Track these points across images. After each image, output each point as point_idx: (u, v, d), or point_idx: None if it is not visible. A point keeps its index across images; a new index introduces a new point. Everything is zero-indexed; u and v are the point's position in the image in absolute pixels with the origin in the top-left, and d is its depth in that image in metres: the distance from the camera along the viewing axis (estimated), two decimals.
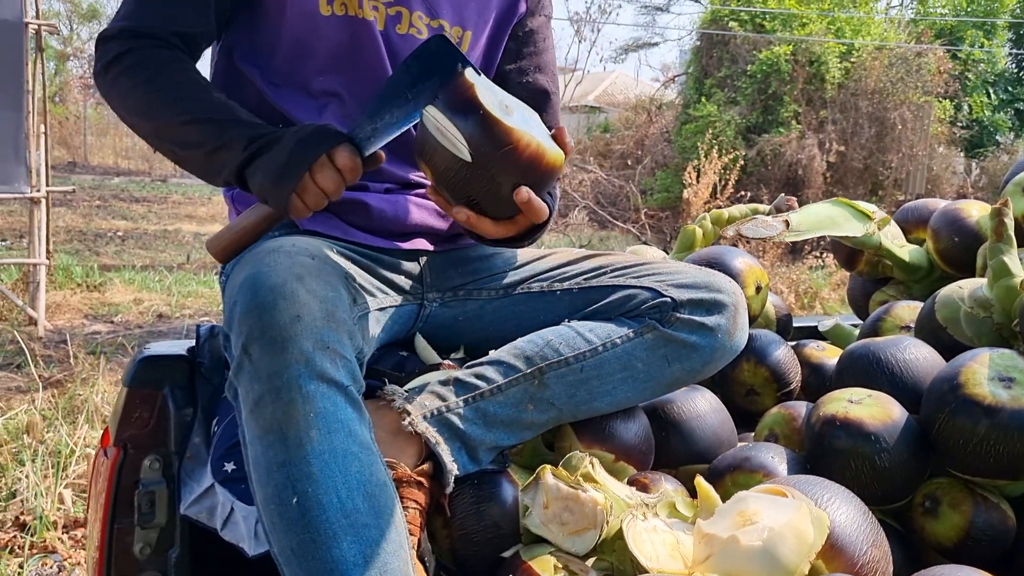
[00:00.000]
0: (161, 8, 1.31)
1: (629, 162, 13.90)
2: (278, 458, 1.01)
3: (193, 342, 1.41)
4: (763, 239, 1.62)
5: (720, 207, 9.26)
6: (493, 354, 1.33)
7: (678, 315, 1.32)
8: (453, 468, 1.23)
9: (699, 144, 9.82)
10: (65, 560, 2.90)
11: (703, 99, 12.77)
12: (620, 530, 1.08)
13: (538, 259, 1.49)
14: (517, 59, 1.54)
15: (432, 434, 1.23)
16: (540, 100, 1.56)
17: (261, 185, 1.21)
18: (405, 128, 1.24)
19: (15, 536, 2.99)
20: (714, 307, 1.33)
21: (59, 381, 4.69)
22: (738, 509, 0.99)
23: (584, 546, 1.08)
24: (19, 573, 2.80)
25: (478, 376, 1.29)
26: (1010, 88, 15.35)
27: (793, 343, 1.90)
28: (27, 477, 3.25)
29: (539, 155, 1.15)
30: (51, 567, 2.87)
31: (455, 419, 1.26)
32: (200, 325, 1.41)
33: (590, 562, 1.08)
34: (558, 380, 1.29)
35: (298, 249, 1.16)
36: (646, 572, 0.99)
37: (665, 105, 15.04)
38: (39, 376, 4.66)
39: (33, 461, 3.37)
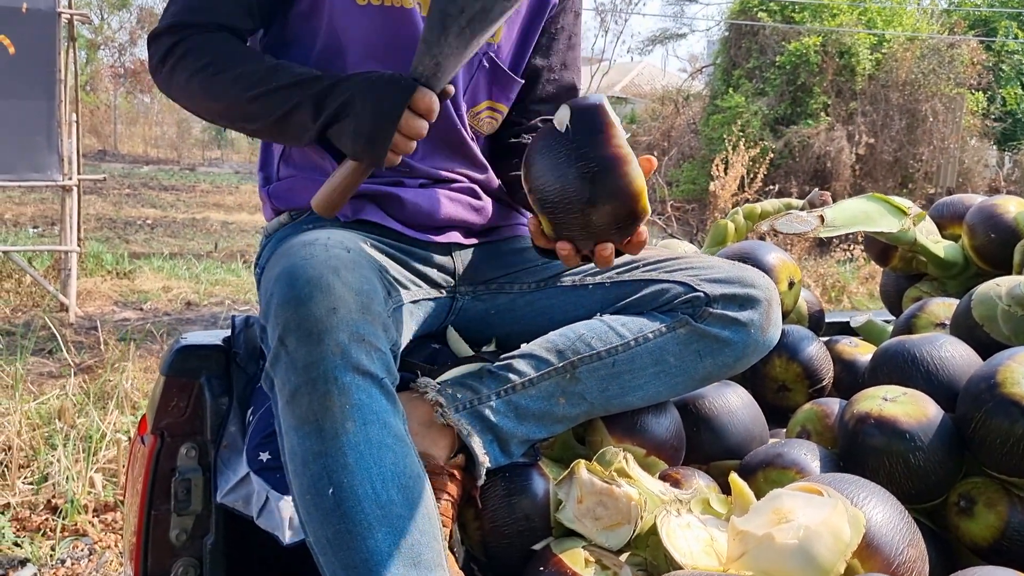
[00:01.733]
0: (208, 4, 1.33)
1: (656, 153, 13.83)
2: (314, 449, 1.02)
3: (228, 331, 1.43)
4: (797, 234, 1.61)
5: (747, 200, 9.23)
6: (525, 347, 1.33)
7: (711, 310, 1.31)
8: (485, 460, 1.23)
9: (726, 136, 9.77)
10: (96, 543, 2.95)
11: (731, 90, 12.69)
12: (654, 525, 1.08)
13: None
14: (548, 55, 1.55)
15: (464, 426, 1.24)
16: (565, 96, 1.56)
17: (353, 148, 1.23)
18: (467, 59, 1.25)
19: (47, 519, 3.05)
20: (747, 302, 1.32)
21: (90, 367, 4.76)
22: (773, 507, 0.99)
23: (618, 541, 1.09)
24: (51, 555, 2.85)
25: (510, 369, 1.30)
26: None
27: (825, 339, 1.89)
28: (59, 461, 3.30)
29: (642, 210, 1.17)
30: (82, 550, 2.92)
31: (487, 412, 1.26)
32: (235, 315, 1.42)
33: (623, 557, 1.08)
34: (590, 374, 1.30)
35: (334, 242, 1.17)
36: (680, 568, 0.99)
37: (692, 96, 14.95)
38: (70, 362, 4.73)
39: (64, 445, 3.42)
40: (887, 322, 2.05)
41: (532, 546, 1.25)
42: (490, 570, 1.29)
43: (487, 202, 1.50)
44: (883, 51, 12.40)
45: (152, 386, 1.41)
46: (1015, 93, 14.44)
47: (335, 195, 1.29)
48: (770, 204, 1.81)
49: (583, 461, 1.16)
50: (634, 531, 1.08)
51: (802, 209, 1.76)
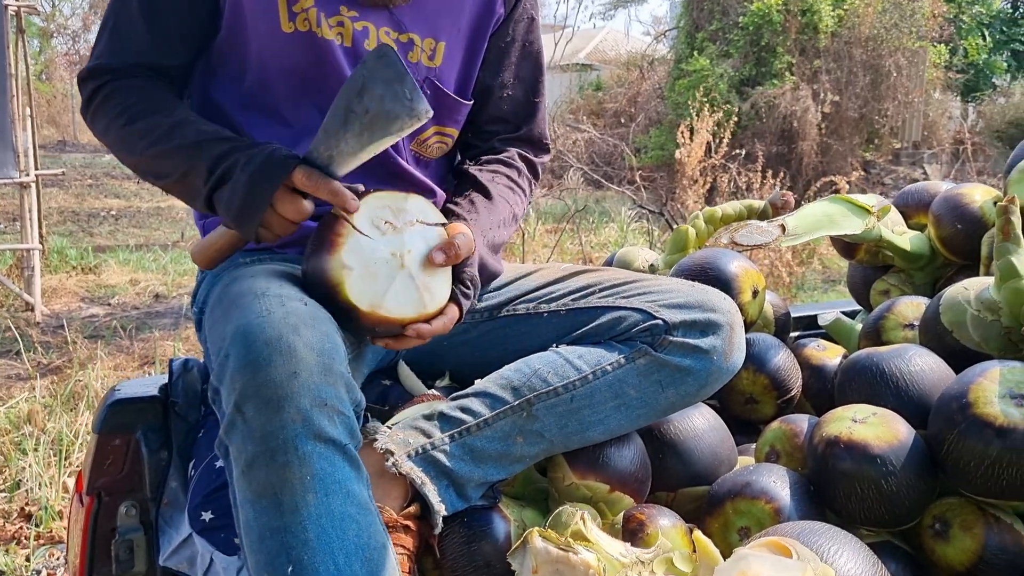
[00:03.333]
0: (132, 44, 1.28)
1: (622, 120, 13.74)
2: (272, 524, 0.96)
3: (165, 378, 1.35)
4: (759, 246, 1.56)
5: (715, 165, 9.16)
6: (479, 384, 1.27)
7: (671, 338, 1.25)
8: (441, 509, 1.18)
9: (691, 101, 9.69)
10: None
11: (695, 53, 12.58)
12: None
13: (524, 276, 1.42)
14: (499, 70, 1.46)
15: (418, 474, 1.18)
16: (522, 112, 1.49)
17: (225, 218, 1.19)
18: (368, 156, 1.18)
19: (21, 527, 2.97)
20: (708, 328, 1.26)
21: (58, 367, 4.67)
22: (739, 569, 0.93)
23: None
24: (26, 566, 2.78)
25: (464, 409, 1.24)
26: (1005, 29, 15.15)
27: (795, 335, 1.85)
28: (30, 467, 3.22)
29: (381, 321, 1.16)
30: (58, 558, 2.85)
31: (441, 456, 1.20)
32: (173, 360, 1.35)
33: None
34: (548, 411, 1.23)
35: (289, 294, 1.10)
36: None
37: (657, 60, 14.84)
38: (37, 363, 4.63)
39: (36, 450, 3.35)
40: (851, 314, 2.01)
41: None
42: None
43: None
44: (845, 7, 12.31)
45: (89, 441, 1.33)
46: (976, 44, 14.45)
47: (211, 252, 1.25)
48: (731, 207, 1.75)
49: (537, 529, 1.09)
50: None
51: (763, 214, 1.71)
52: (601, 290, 1.34)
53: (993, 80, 14.93)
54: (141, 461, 1.28)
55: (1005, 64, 14.96)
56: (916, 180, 11.80)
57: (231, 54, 1.31)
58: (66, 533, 1.44)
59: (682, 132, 8.92)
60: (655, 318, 1.27)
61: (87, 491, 1.27)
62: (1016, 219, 1.38)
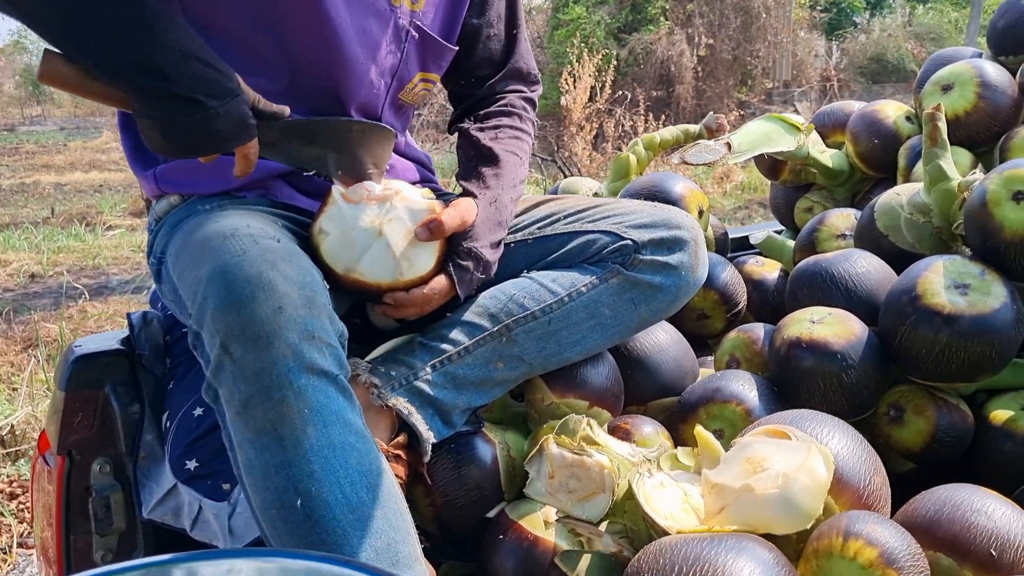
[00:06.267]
0: None
1: None
2: (275, 460, 0.94)
3: (126, 331, 1.31)
4: (708, 164, 1.61)
5: (600, 110, 9.28)
6: (455, 313, 1.27)
7: (640, 257, 1.28)
8: (429, 437, 1.19)
9: (569, 49, 9.75)
10: None
11: (571, 2, 12.64)
12: (628, 490, 1.06)
13: None
14: (484, 10, 1.42)
15: (403, 404, 1.19)
16: (506, 48, 1.47)
17: (157, 133, 1.03)
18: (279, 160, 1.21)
19: None
20: (675, 244, 1.30)
21: None
22: (745, 456, 0.98)
23: (596, 511, 1.06)
24: None
25: (443, 339, 1.24)
26: None
27: (729, 255, 1.92)
28: None
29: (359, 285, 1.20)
30: None
31: (424, 386, 1.21)
32: (131, 313, 1.30)
33: (603, 526, 1.06)
34: (526, 335, 1.25)
35: (260, 232, 1.06)
36: (663, 531, 0.97)
37: (535, 10, 14.83)
38: None
39: None
40: (779, 232, 2.10)
41: (486, 514, 1.23)
42: (444, 543, 1.25)
43: (397, 160, 1.41)
44: None
45: (48, 402, 1.28)
46: None
47: (66, 85, 1.03)
48: (668, 132, 1.79)
49: (551, 436, 1.12)
50: (612, 499, 1.06)
51: (699, 136, 1.76)
52: (565, 217, 1.35)
53: (854, 19, 15.58)
54: (112, 416, 1.24)
55: (863, 3, 15.61)
56: None
57: None
58: (30, 498, 1.38)
59: (565, 79, 8.98)
60: (623, 239, 1.29)
61: (57, 451, 1.23)
62: (942, 125, 1.46)
